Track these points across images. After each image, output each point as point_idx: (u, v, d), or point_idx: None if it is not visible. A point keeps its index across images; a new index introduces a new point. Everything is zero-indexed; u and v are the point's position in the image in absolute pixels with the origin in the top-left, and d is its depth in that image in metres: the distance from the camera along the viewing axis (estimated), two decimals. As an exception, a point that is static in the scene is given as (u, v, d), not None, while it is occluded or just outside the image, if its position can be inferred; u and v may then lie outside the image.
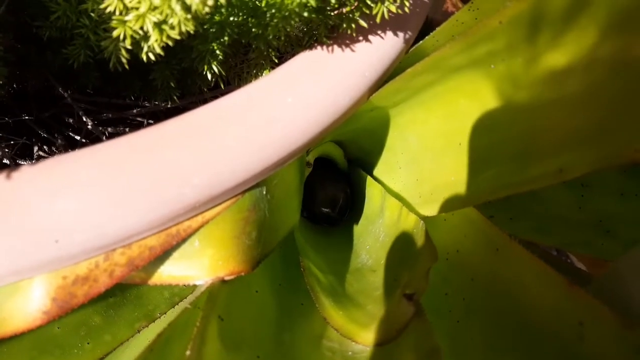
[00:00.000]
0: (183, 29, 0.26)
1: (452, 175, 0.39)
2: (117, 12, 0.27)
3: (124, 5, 0.27)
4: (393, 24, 0.34)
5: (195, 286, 0.39)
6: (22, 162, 0.39)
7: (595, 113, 0.29)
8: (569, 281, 0.31)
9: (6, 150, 0.38)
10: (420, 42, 0.40)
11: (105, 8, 0.27)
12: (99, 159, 0.28)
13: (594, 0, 0.27)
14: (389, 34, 0.34)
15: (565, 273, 0.34)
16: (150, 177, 0.28)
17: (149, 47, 0.29)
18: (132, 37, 0.28)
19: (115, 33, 0.28)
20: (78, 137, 0.41)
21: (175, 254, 0.32)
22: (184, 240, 0.31)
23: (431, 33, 0.39)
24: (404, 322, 0.32)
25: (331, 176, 0.57)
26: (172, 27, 0.26)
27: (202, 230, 0.32)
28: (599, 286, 0.35)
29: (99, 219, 0.27)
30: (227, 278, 0.33)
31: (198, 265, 0.32)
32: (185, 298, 0.40)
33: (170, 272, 0.32)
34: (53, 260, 0.27)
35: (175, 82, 0.38)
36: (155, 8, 0.25)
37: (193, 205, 0.30)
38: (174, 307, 0.41)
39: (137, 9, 0.26)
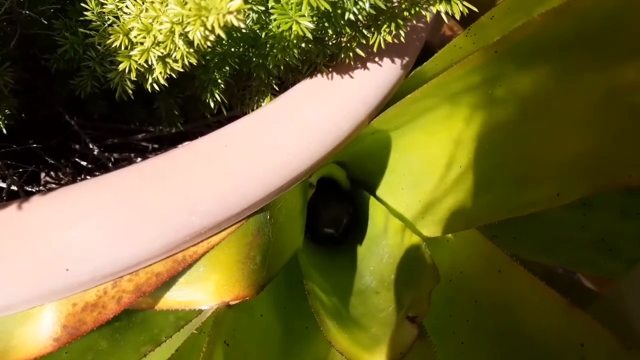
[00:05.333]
0: (186, 61, 0.27)
1: (454, 197, 0.39)
2: (123, 47, 0.28)
3: (129, 40, 0.27)
4: (391, 51, 0.35)
5: (200, 310, 0.39)
6: (30, 189, 0.40)
7: (590, 139, 0.30)
8: (570, 302, 0.32)
9: (14, 177, 0.39)
10: (420, 66, 0.41)
11: (112, 42, 0.28)
12: (107, 189, 0.29)
13: (589, 32, 0.27)
14: (387, 61, 0.35)
15: (572, 292, 0.34)
16: (157, 205, 0.29)
17: (153, 78, 0.29)
18: (137, 69, 0.29)
19: (121, 67, 0.29)
20: (84, 163, 0.42)
21: (182, 280, 0.33)
22: (189, 265, 0.32)
23: (430, 58, 0.40)
24: (407, 344, 0.32)
25: (334, 196, 0.57)
26: (175, 61, 0.27)
27: (208, 255, 0.32)
28: (601, 305, 0.36)
29: (108, 247, 0.28)
30: (232, 303, 0.33)
31: (204, 290, 0.33)
32: (191, 321, 0.41)
33: (177, 298, 0.33)
34: (64, 288, 0.28)
35: (179, 110, 0.39)
36: (160, 43, 0.26)
37: (199, 231, 0.30)
38: (179, 331, 0.41)
39: (141, 43, 0.27)
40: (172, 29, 0.25)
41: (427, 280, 0.35)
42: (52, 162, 0.41)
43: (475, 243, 0.41)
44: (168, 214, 0.29)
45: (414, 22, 0.31)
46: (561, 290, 0.37)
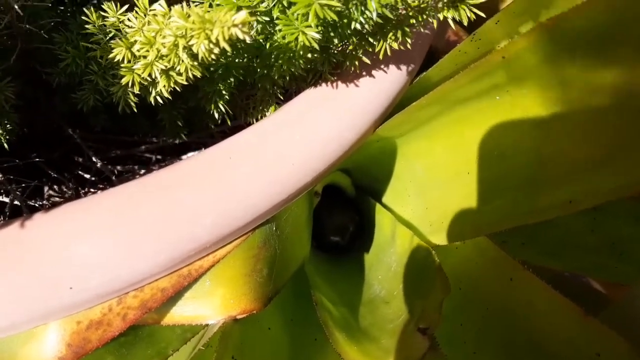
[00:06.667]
0: (190, 75, 0.27)
1: (462, 204, 0.39)
2: (125, 60, 0.27)
3: (132, 53, 0.27)
4: (396, 58, 0.35)
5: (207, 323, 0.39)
6: (33, 204, 0.40)
7: (603, 143, 0.29)
8: (584, 311, 0.31)
9: (17, 192, 0.38)
10: (425, 72, 0.40)
11: (115, 56, 0.28)
12: (111, 204, 0.29)
13: (601, 35, 0.27)
14: (392, 68, 0.35)
15: (581, 296, 0.33)
16: (161, 219, 0.29)
17: (157, 92, 0.29)
18: (140, 83, 0.28)
19: (124, 80, 0.28)
20: (88, 176, 0.42)
21: (187, 294, 0.32)
22: (195, 280, 0.31)
23: (435, 63, 0.39)
24: (418, 357, 0.31)
25: (340, 204, 0.57)
26: (179, 74, 0.27)
27: (213, 269, 0.32)
28: (614, 312, 0.35)
29: (112, 263, 0.27)
30: (239, 317, 0.33)
31: (210, 305, 0.32)
32: (197, 334, 0.40)
33: (183, 313, 0.32)
34: (68, 306, 0.27)
35: (182, 121, 0.38)
36: (163, 56, 0.26)
37: (204, 245, 0.30)
38: (186, 344, 0.40)
39: (145, 57, 0.26)
40: (176, 42, 0.25)
41: (437, 290, 0.35)
42: (55, 175, 0.41)
43: (484, 250, 0.41)
44: (172, 229, 0.28)
45: (420, 28, 0.31)
46: (570, 294, 0.36)
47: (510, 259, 0.38)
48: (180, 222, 0.29)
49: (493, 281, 0.40)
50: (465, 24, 0.29)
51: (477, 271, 0.41)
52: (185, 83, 0.28)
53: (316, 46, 0.27)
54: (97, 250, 0.27)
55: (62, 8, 0.34)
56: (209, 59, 0.25)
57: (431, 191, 0.43)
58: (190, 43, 0.24)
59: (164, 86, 0.28)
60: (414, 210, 0.45)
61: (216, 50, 0.24)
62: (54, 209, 0.28)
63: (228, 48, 0.23)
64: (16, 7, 0.29)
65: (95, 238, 0.27)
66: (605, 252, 0.45)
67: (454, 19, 0.30)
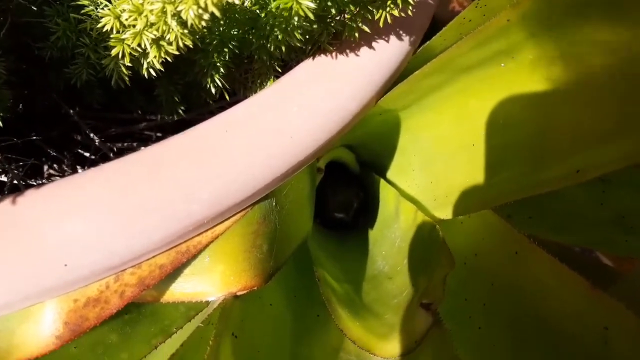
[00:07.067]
0: (181, 44, 0.26)
1: (467, 177, 0.38)
2: (115, 31, 0.27)
3: (121, 23, 0.26)
4: (397, 27, 0.33)
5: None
6: (33, 183, 0.39)
7: (612, 110, 0.28)
8: (591, 285, 0.30)
9: (16, 171, 0.38)
10: (428, 42, 0.39)
11: (103, 27, 0.27)
12: (105, 179, 0.28)
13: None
14: (394, 37, 0.33)
15: (590, 271, 0.33)
16: (157, 194, 0.28)
17: (148, 63, 0.28)
18: (131, 54, 0.27)
19: (114, 51, 0.27)
20: (87, 154, 0.41)
21: (186, 271, 0.32)
22: (194, 256, 0.31)
23: (438, 32, 0.38)
24: (422, 332, 0.31)
25: (344, 180, 0.56)
26: (169, 43, 0.26)
27: (212, 245, 0.31)
28: (624, 287, 0.34)
29: (108, 239, 0.27)
30: (239, 293, 0.32)
31: (209, 281, 0.32)
32: (202, 311, 0.40)
33: (182, 290, 0.32)
34: (63, 284, 0.27)
35: (180, 96, 0.38)
36: (152, 25, 0.25)
37: (202, 221, 0.29)
38: (190, 321, 0.40)
39: (133, 26, 0.26)
40: (164, 9, 0.24)
41: (441, 265, 0.34)
42: (55, 154, 0.40)
43: (490, 224, 0.40)
44: (168, 204, 0.28)
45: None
46: (579, 269, 0.35)
47: (516, 232, 0.37)
48: (175, 198, 0.28)
49: (499, 255, 0.39)
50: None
51: (482, 245, 0.40)
52: (177, 53, 0.27)
53: (311, 16, 0.26)
54: (91, 227, 0.27)
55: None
56: (199, 26, 0.24)
57: (436, 165, 0.42)
58: (178, 9, 0.23)
59: (155, 57, 0.27)
60: (419, 184, 0.44)
61: (206, 16, 0.23)
62: (47, 185, 0.28)
63: (218, 13, 0.22)
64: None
65: (89, 214, 0.27)
66: (615, 226, 0.44)
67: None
